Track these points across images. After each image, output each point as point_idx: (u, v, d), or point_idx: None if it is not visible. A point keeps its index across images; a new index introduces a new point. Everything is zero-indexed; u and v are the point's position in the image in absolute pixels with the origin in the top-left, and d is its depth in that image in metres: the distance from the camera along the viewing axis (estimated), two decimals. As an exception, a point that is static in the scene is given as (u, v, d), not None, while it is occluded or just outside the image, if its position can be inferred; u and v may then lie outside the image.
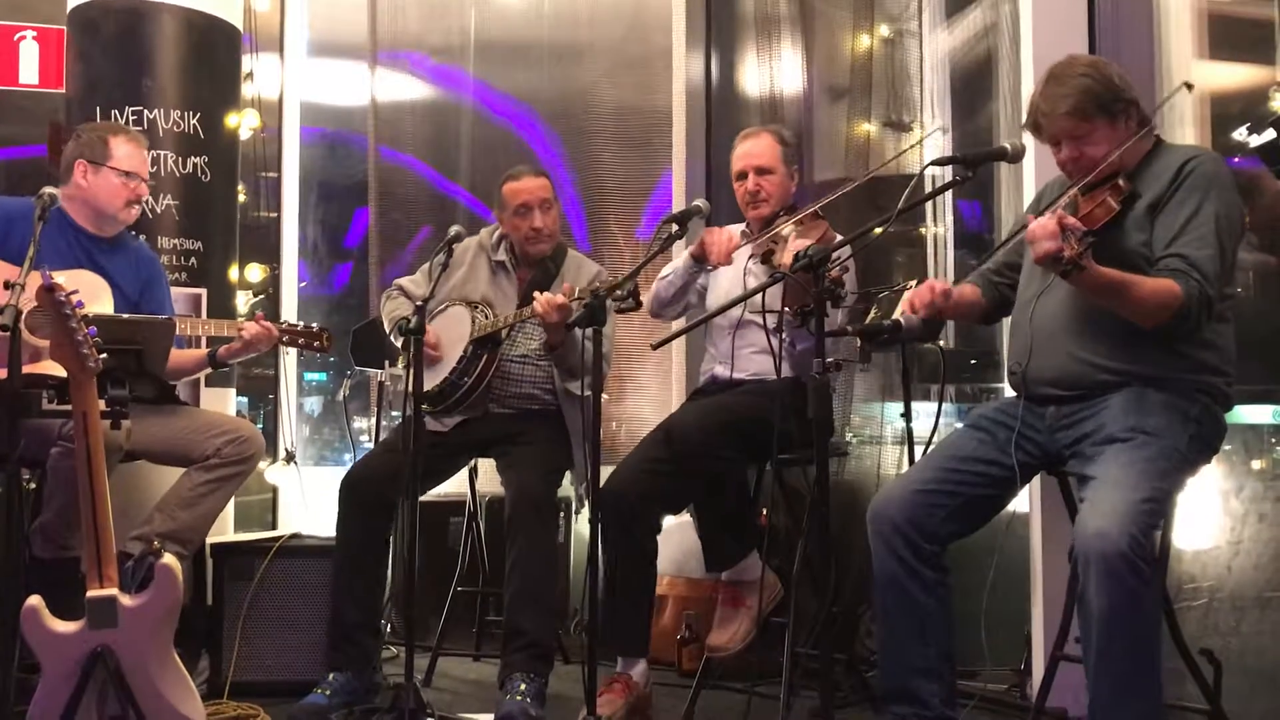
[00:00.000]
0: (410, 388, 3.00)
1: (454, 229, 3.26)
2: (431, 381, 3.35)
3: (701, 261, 3.31)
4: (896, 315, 2.93)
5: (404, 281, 3.65)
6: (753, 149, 3.43)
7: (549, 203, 3.50)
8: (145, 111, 3.77)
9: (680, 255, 3.46)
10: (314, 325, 3.44)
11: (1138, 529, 2.21)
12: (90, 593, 2.39)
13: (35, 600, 2.38)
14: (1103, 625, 2.22)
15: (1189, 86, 2.71)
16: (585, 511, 3.03)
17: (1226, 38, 3.57)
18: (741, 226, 3.55)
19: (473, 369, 3.36)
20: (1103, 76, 2.54)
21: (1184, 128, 3.44)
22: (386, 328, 3.59)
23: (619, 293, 2.78)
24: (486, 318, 3.39)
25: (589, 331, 2.72)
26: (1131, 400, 2.45)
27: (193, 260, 3.83)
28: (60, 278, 2.45)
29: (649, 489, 3.13)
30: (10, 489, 2.52)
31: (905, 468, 3.39)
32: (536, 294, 3.24)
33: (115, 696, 2.37)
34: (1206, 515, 3.14)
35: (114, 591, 2.40)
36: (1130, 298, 2.40)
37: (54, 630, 2.37)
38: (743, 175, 3.43)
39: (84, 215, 3.31)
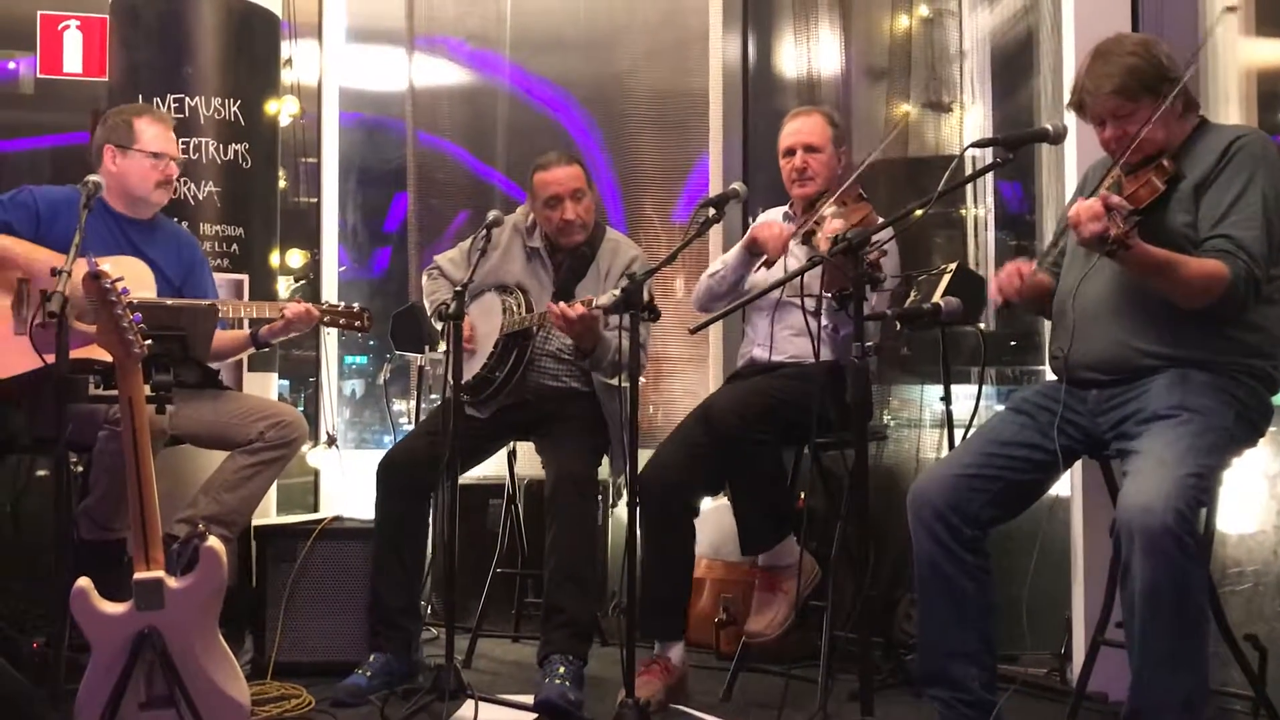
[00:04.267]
0: (449, 372, 3.01)
1: (492, 213, 3.27)
2: (466, 374, 3.35)
3: (756, 255, 3.29)
4: (935, 300, 2.92)
5: (443, 261, 3.66)
6: (803, 127, 3.42)
7: (581, 192, 3.42)
8: (186, 99, 3.80)
9: (732, 249, 3.44)
10: (354, 305, 3.45)
11: (1183, 503, 2.18)
12: (137, 575, 2.42)
13: (85, 582, 2.41)
14: (1146, 601, 2.19)
15: (1231, 9, 2.64)
16: (624, 499, 3.03)
17: (1274, 14, 3.50)
18: (784, 208, 3.55)
19: (504, 363, 3.37)
20: (1151, 56, 2.50)
21: (1229, 106, 3.39)
22: (428, 309, 3.61)
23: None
24: (517, 309, 3.38)
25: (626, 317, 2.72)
26: (1176, 380, 2.42)
27: (234, 246, 3.86)
28: (105, 264, 2.47)
29: (687, 470, 3.13)
30: (58, 473, 2.56)
31: (944, 451, 3.38)
32: (551, 305, 3.17)
33: (162, 677, 2.40)
34: (1252, 499, 3.10)
35: (160, 574, 2.43)
36: (1176, 278, 2.37)
37: (102, 612, 2.41)
38: (790, 152, 3.42)
39: (118, 199, 3.34)
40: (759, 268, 3.28)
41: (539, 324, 3.34)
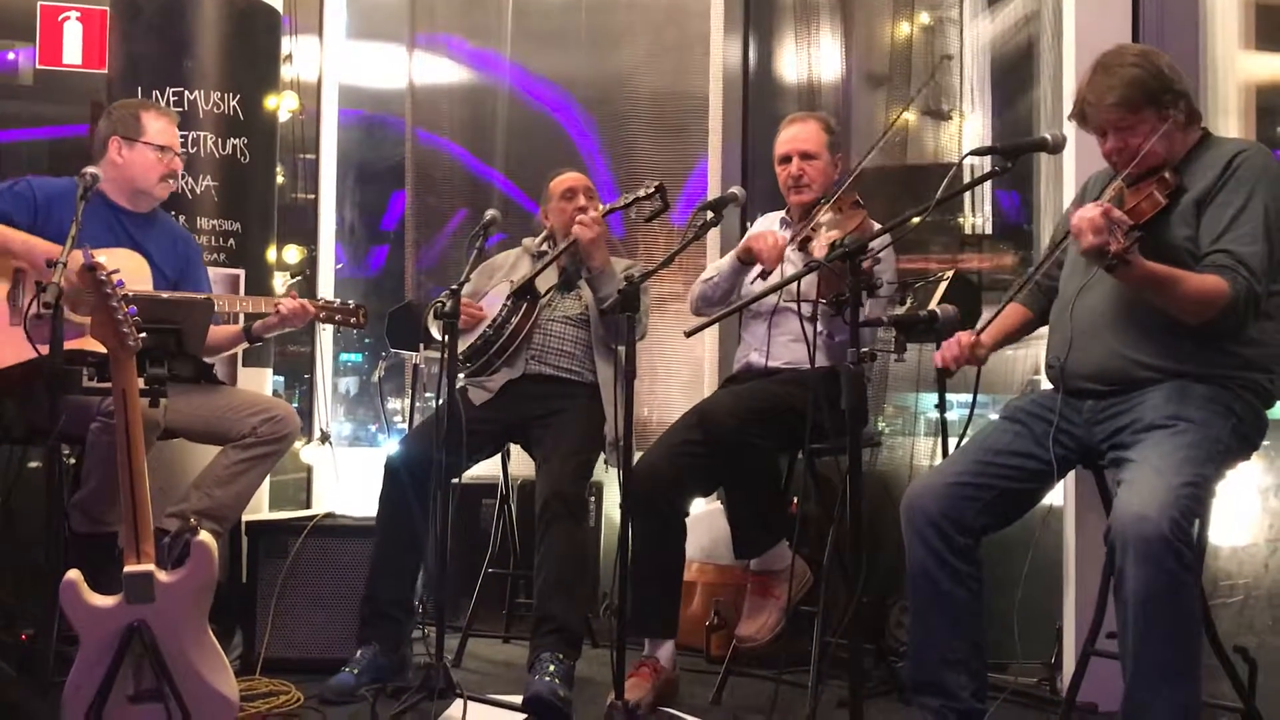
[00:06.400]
0: (445, 370, 3.02)
1: (490, 213, 3.29)
2: (472, 336, 3.48)
3: (749, 263, 3.29)
4: (932, 306, 2.91)
5: None
6: (799, 134, 3.43)
7: (592, 191, 3.70)
8: (186, 92, 3.80)
9: (726, 256, 3.45)
10: (350, 302, 3.45)
11: (1178, 512, 2.18)
12: (127, 568, 2.42)
13: (74, 574, 2.41)
14: (1140, 611, 2.19)
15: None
16: (615, 474, 3.06)
17: (1274, 28, 3.51)
18: (780, 214, 3.55)
19: (512, 318, 3.48)
20: (1152, 67, 2.50)
21: (1229, 119, 3.40)
22: (429, 323, 3.62)
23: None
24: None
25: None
26: (1173, 391, 2.42)
27: (231, 241, 3.86)
28: (101, 256, 2.47)
29: (680, 471, 3.13)
30: (50, 464, 2.56)
31: (938, 459, 3.37)
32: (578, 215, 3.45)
33: (151, 670, 2.40)
34: (1244, 512, 3.10)
35: (151, 567, 2.43)
36: (1176, 293, 2.37)
37: (92, 604, 2.40)
38: (786, 159, 3.42)
39: (120, 192, 3.34)
40: (755, 278, 3.28)
41: (552, 259, 3.50)
